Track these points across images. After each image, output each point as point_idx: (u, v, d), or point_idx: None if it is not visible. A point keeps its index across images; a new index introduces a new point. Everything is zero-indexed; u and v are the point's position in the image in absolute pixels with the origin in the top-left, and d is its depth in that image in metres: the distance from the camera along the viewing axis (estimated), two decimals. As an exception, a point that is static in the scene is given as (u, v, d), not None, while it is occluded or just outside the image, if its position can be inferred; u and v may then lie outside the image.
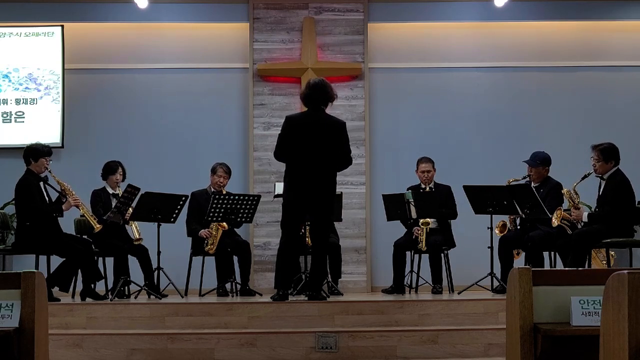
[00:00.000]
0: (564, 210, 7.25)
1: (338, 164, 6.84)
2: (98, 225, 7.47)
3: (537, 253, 7.42)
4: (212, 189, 8.16)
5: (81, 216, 7.70)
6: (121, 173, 7.90)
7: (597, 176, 7.12)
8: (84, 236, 7.72)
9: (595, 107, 9.37)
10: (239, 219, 7.81)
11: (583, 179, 7.20)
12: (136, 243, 7.70)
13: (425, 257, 8.13)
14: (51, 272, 7.35)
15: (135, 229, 7.73)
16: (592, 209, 7.31)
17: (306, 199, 6.76)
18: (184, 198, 7.74)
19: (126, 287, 7.69)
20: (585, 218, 7.12)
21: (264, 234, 9.04)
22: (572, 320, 3.74)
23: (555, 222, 7.18)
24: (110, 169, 7.88)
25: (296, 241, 6.94)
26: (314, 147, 6.75)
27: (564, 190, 7.39)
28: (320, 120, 6.84)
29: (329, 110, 7.00)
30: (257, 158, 9.09)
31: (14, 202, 7.51)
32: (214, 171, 8.18)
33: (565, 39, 9.39)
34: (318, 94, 6.83)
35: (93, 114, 9.27)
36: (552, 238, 7.40)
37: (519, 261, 7.82)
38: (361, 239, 9.08)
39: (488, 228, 7.60)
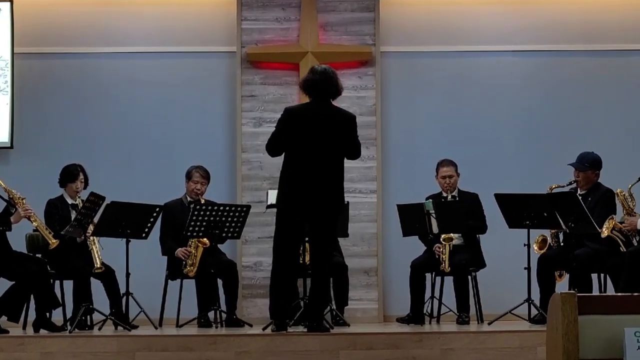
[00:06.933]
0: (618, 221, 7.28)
1: (347, 155, 7.02)
2: (54, 240, 7.47)
3: (584, 275, 7.42)
4: (189, 198, 8.17)
5: (34, 230, 7.70)
6: (82, 180, 7.90)
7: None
8: (37, 255, 7.72)
9: (653, 99, 9.38)
10: (223, 234, 7.82)
11: (640, 180, 7.26)
12: (96, 271, 7.66)
13: (449, 280, 8.13)
14: (-2, 298, 7.36)
15: (95, 254, 7.67)
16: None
17: (306, 208, 6.79)
18: (157, 209, 7.74)
19: (88, 317, 7.69)
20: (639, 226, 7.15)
21: (255, 252, 9.05)
22: (626, 356, 3.74)
23: (605, 232, 7.20)
24: (70, 175, 7.88)
25: (293, 261, 6.95)
26: (320, 145, 6.81)
27: (618, 191, 7.43)
28: (328, 113, 6.90)
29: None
30: (246, 161, 9.09)
31: (-48, 213, 7.52)
32: (188, 176, 8.20)
33: (616, 17, 9.38)
34: (326, 82, 6.91)
35: (49, 107, 9.27)
36: (602, 257, 7.40)
37: (562, 285, 7.82)
38: (372, 258, 9.08)
39: (525, 245, 7.60)
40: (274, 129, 7.05)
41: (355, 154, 7.06)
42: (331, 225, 6.93)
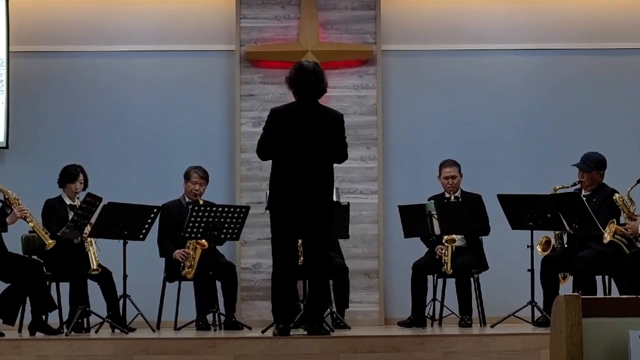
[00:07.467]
0: (620, 224, 7.27)
1: (333, 159, 6.97)
2: (51, 241, 7.48)
3: (588, 277, 7.43)
4: (187, 199, 8.18)
5: (30, 231, 7.70)
6: (82, 181, 7.91)
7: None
8: (33, 256, 7.73)
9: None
10: (222, 235, 7.82)
11: (639, 182, 7.23)
12: (93, 273, 7.67)
13: (451, 282, 8.13)
14: (-7, 300, 7.37)
15: (92, 256, 7.67)
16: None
17: (295, 208, 6.79)
18: (155, 210, 7.75)
19: (85, 319, 7.69)
20: (641, 230, 7.17)
21: (254, 253, 9.05)
22: (631, 359, 3.74)
23: (607, 237, 7.20)
24: (70, 176, 7.89)
25: (292, 262, 6.95)
26: (308, 145, 6.80)
27: (616, 197, 7.41)
28: (315, 114, 6.89)
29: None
30: (245, 161, 9.09)
31: (-54, 214, 7.52)
32: (187, 177, 8.21)
33: (620, 15, 9.38)
34: (317, 83, 6.89)
35: (45, 107, 9.27)
36: (606, 259, 7.40)
37: (566, 287, 7.83)
38: (373, 260, 9.08)
39: (528, 246, 7.60)
40: (262, 132, 7.00)
41: (340, 156, 6.99)
42: (323, 224, 6.90)
